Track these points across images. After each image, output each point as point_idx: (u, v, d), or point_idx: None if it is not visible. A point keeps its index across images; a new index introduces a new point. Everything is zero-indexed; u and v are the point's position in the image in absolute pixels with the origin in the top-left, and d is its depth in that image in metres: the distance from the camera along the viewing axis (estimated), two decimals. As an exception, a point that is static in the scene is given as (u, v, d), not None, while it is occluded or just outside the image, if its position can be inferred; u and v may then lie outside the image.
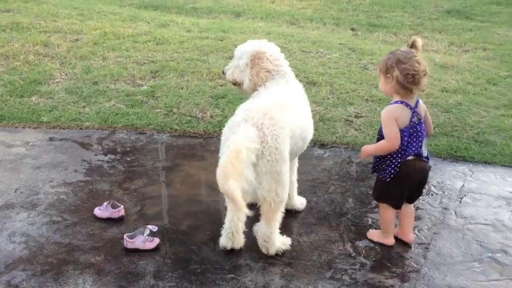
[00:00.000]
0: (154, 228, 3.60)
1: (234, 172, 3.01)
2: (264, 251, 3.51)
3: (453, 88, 6.45)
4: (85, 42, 7.36)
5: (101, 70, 6.44)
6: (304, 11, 10.72)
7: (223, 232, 3.54)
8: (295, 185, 3.97)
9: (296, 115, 3.54)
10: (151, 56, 6.96)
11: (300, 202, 4.03)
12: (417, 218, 4.02)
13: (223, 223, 3.55)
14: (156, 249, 3.51)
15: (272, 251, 3.50)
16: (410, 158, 3.45)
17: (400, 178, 3.49)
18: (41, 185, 4.23)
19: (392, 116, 3.40)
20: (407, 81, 3.34)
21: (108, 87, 6.03)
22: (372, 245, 3.69)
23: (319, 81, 6.39)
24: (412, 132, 3.42)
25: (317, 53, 7.52)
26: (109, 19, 8.69)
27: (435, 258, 3.60)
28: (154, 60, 6.84)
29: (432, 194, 4.36)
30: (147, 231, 3.53)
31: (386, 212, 3.66)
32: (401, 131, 3.41)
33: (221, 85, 6.19)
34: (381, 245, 3.69)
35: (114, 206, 3.81)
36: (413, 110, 3.42)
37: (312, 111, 5.54)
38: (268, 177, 3.28)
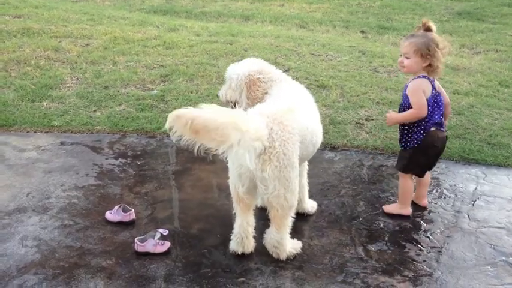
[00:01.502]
0: (165, 232, 3.59)
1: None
2: (274, 256, 3.49)
3: (465, 90, 6.40)
4: (95, 47, 7.39)
5: (111, 74, 6.46)
6: (314, 14, 10.70)
7: (232, 237, 3.53)
8: (306, 188, 3.95)
9: (306, 120, 3.52)
10: (161, 60, 6.98)
11: (311, 205, 4.02)
12: (430, 221, 3.99)
13: (234, 227, 3.54)
14: (167, 253, 3.51)
15: (283, 256, 3.48)
16: (433, 128, 3.83)
17: (426, 147, 3.86)
18: (52, 189, 4.25)
19: (420, 88, 3.80)
20: (440, 62, 3.80)
21: (118, 91, 6.05)
22: (384, 248, 3.67)
23: (329, 84, 6.37)
24: (434, 102, 3.82)
25: (327, 56, 7.50)
26: (119, 24, 8.72)
27: (448, 261, 3.57)
28: (164, 64, 6.85)
29: (445, 197, 4.32)
30: (158, 235, 3.53)
31: (407, 183, 4.03)
32: (428, 100, 3.79)
33: (231, 89, 6.18)
34: (392, 248, 3.66)
35: (125, 210, 3.82)
36: (433, 83, 3.84)
37: (322, 114, 5.57)
38: (276, 183, 3.25)
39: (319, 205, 4.08)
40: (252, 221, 3.50)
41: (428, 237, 3.80)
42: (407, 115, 3.83)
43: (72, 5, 10.43)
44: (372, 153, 5.00)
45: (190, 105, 5.68)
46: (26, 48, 7.16)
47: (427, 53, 3.76)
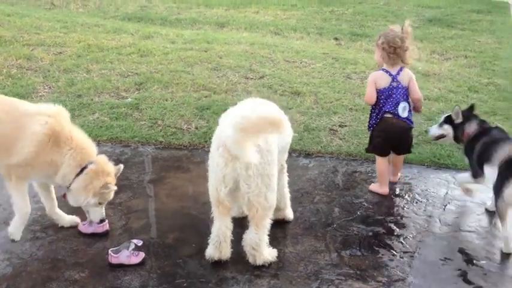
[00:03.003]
0: (140, 243, 3.58)
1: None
2: (251, 260, 3.49)
3: (435, 96, 6.51)
4: (68, 55, 7.33)
5: (84, 83, 6.41)
6: (288, 21, 10.77)
7: (210, 242, 3.52)
8: (288, 196, 3.99)
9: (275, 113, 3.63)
10: (135, 68, 6.95)
11: (290, 212, 4.06)
12: (402, 226, 4.05)
13: (209, 235, 3.54)
14: (141, 264, 3.49)
15: (259, 261, 3.49)
16: (389, 115, 4.33)
17: (379, 130, 4.40)
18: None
19: (372, 79, 4.38)
20: (390, 51, 4.29)
21: (92, 100, 6.01)
22: (358, 254, 3.71)
23: (303, 91, 6.42)
24: (389, 93, 4.32)
25: (301, 62, 7.56)
26: (93, 31, 8.67)
27: (421, 266, 3.62)
28: (139, 72, 6.82)
29: (416, 202, 4.39)
30: (132, 246, 3.51)
31: (379, 163, 4.50)
32: (380, 91, 4.34)
33: (206, 96, 6.20)
34: (366, 254, 3.70)
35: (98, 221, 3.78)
36: (394, 76, 4.34)
37: (297, 121, 5.62)
38: (259, 181, 3.30)
39: (294, 212, 4.10)
40: (230, 224, 3.49)
41: (401, 242, 3.86)
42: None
43: (46, 12, 10.33)
44: (345, 160, 5.05)
45: (165, 114, 5.75)
46: (-3, 56, 7.07)
47: (376, 43, 4.42)
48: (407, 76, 4.37)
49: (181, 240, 3.78)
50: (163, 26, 10.06)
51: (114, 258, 3.46)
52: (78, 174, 3.56)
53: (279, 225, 3.92)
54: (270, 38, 9.34)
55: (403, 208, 4.29)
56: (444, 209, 4.30)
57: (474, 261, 3.67)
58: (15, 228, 3.64)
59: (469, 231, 4.01)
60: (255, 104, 3.65)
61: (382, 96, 4.34)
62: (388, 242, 3.87)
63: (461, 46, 9.18)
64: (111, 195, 3.71)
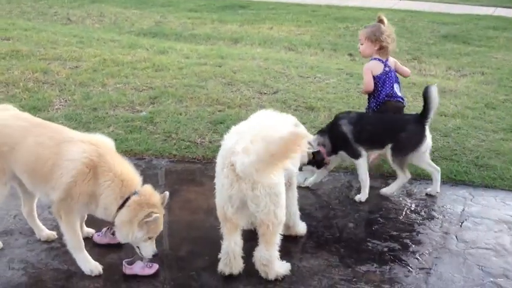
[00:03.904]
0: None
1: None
2: (263, 275, 3.47)
3: (452, 112, 6.47)
4: (84, 69, 7.41)
5: (100, 96, 6.46)
6: (302, 37, 10.80)
7: (221, 258, 3.51)
8: (298, 214, 3.96)
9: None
10: (150, 83, 6.99)
11: (302, 227, 4.03)
12: (418, 243, 4.00)
13: (222, 247, 3.51)
14: (155, 275, 3.48)
15: (272, 275, 3.46)
16: (388, 99, 4.77)
17: (382, 112, 4.80)
18: (39, 211, 4.18)
19: (368, 68, 4.85)
20: (388, 42, 4.80)
21: (107, 113, 6.05)
22: (372, 269, 3.66)
23: (317, 106, 6.42)
24: (385, 77, 4.81)
25: (315, 78, 7.56)
26: (108, 46, 8.75)
27: (436, 283, 3.57)
28: (153, 86, 6.87)
29: (433, 219, 4.34)
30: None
31: None
32: (377, 77, 4.81)
33: (219, 111, 6.22)
34: (381, 269, 3.65)
35: (113, 232, 3.78)
36: (385, 63, 4.86)
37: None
38: (267, 200, 3.28)
39: (308, 226, 4.07)
40: (239, 241, 3.48)
41: (417, 258, 3.81)
42: (363, 88, 4.98)
43: (62, 27, 10.46)
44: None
45: (179, 127, 5.77)
46: (14, 70, 7.16)
47: (375, 38, 4.80)
48: (392, 61, 4.93)
49: (194, 253, 3.76)
50: (177, 41, 10.14)
51: (129, 269, 3.46)
52: (120, 207, 3.35)
53: (292, 240, 3.91)
54: (284, 54, 9.37)
55: (419, 224, 4.24)
56: (461, 226, 4.24)
57: (491, 279, 3.61)
58: (83, 263, 3.50)
59: (487, 249, 3.95)
60: (265, 119, 3.63)
61: (379, 82, 4.79)
62: (404, 257, 3.82)
63: (477, 63, 9.12)
64: (160, 227, 3.44)
